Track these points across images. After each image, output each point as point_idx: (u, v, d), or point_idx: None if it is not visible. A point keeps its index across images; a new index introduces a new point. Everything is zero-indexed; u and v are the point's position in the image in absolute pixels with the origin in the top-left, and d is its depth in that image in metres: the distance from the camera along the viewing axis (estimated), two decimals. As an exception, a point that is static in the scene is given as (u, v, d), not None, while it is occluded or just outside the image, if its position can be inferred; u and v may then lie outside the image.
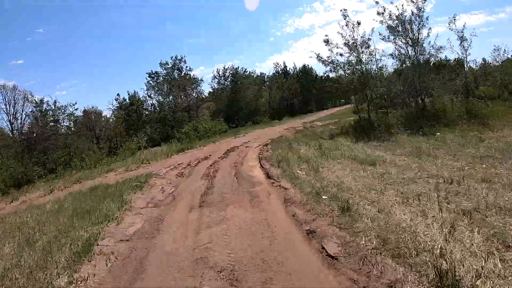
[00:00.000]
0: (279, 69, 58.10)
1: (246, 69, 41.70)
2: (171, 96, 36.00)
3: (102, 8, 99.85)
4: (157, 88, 37.24)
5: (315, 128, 20.18)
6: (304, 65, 58.78)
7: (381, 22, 16.34)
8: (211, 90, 41.00)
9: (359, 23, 16.01)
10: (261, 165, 10.27)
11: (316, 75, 64.21)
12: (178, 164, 12.46)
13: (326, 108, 58.53)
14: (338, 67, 16.63)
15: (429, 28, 16.03)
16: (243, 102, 37.57)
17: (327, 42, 16.41)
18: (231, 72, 39.14)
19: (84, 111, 32.20)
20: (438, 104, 15.46)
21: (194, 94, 39.72)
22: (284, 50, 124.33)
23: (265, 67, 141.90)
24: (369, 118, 16.16)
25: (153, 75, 38.01)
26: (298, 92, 52.38)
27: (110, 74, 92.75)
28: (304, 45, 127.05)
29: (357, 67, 16.13)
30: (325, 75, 68.11)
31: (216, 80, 39.81)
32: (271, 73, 57.64)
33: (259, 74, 47.62)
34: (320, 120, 27.62)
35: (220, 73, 39.70)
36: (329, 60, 16.64)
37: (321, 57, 16.84)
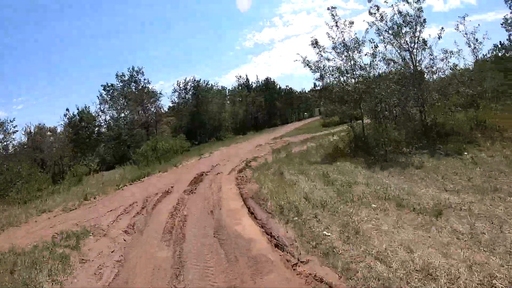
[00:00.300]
0: (242, 82, 56.75)
1: (208, 82, 39.49)
2: (127, 111, 32.93)
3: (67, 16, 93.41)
4: (112, 103, 34.02)
5: (290, 145, 18.37)
6: (267, 78, 58.06)
7: (370, 25, 14.31)
8: (172, 105, 38.38)
9: (351, 23, 13.98)
10: (249, 210, 7.34)
11: (280, 88, 63.98)
12: (130, 205, 9.36)
13: (290, 121, 57.94)
14: (330, 73, 14.20)
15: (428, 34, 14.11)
16: (206, 116, 35.29)
17: (315, 44, 14.11)
18: (193, 84, 36.77)
19: (27, 129, 28.13)
20: (440, 115, 13.74)
21: (153, 109, 36.92)
22: (243, 64, 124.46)
23: (225, 81, 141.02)
24: (366, 134, 13.84)
25: (108, 88, 34.78)
26: (262, 106, 51.17)
27: (64, 87, 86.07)
28: (264, 60, 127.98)
29: (359, 72, 14.01)
30: (287, 88, 68.32)
31: (177, 93, 37.22)
32: (233, 87, 56.21)
33: (221, 88, 45.62)
34: (290, 135, 26.16)
35: (181, 86, 37.23)
36: (318, 65, 14.17)
37: (308, 62, 14.25)
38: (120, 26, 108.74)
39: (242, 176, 11.31)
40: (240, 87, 55.40)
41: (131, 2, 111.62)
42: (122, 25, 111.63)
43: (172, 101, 37.29)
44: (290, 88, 67.40)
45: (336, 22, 14.05)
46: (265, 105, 52.48)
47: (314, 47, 14.22)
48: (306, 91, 79.18)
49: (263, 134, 35.52)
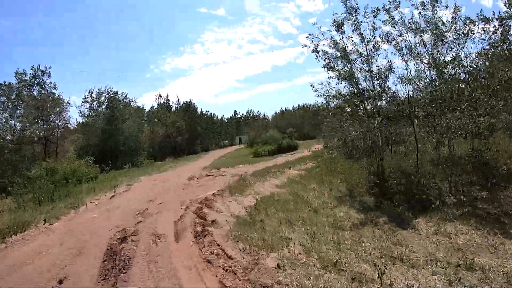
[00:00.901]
0: (162, 102, 51.93)
1: (126, 95, 34.15)
2: (19, 120, 25.39)
3: None
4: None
5: (248, 182, 15.20)
6: (189, 101, 54.40)
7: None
8: (81, 121, 31.58)
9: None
10: None
11: (202, 112, 60.73)
12: None
13: (211, 149, 54.65)
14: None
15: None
16: (121, 137, 29.74)
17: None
18: (108, 96, 30.96)
19: None
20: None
21: (58, 121, 29.75)
22: (160, 88, 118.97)
23: (141, 103, 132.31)
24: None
25: (3, 87, 26.64)
26: (183, 129, 46.98)
27: None
28: (181, 85, 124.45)
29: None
30: (208, 113, 65.36)
31: (88, 104, 30.78)
32: (151, 108, 50.91)
33: (139, 106, 40.02)
34: (223, 165, 22.97)
35: (94, 96, 30.96)
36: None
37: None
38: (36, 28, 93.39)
39: (213, 252, 6.48)
40: (159, 107, 50.48)
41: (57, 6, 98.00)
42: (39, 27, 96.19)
43: (81, 114, 30.44)
44: (212, 114, 64.97)
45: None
46: (187, 129, 48.41)
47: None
48: (225, 119, 78.30)
49: (186, 161, 31.58)
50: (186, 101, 54.11)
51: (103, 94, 30.50)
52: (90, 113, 30.02)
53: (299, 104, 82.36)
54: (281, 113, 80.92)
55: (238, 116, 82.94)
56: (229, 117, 78.92)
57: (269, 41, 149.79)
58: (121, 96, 32.29)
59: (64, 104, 30.41)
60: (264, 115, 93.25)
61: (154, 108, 50.27)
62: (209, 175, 17.85)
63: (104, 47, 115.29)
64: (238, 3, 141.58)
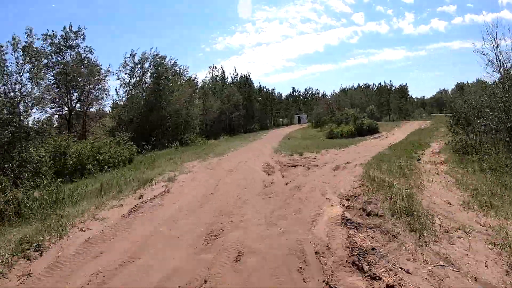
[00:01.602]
0: (218, 74, 46.31)
1: (176, 61, 27.33)
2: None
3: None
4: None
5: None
6: (247, 74, 48.10)
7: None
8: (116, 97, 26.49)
9: None
10: None
11: (261, 86, 54.31)
12: None
13: (270, 127, 48.31)
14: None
15: None
16: (168, 110, 24.38)
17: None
18: (154, 61, 25.18)
19: None
20: None
21: (94, 93, 25.18)
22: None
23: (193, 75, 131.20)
24: None
25: (31, 53, 22.49)
26: (239, 104, 41.03)
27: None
28: (233, 64, 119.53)
29: None
30: (266, 89, 58.47)
31: (128, 70, 24.94)
32: (204, 80, 45.09)
33: (191, 76, 34.00)
34: (297, 148, 16.23)
35: (136, 59, 25.16)
36: None
37: None
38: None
39: None
40: (214, 80, 44.98)
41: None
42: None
43: (120, 80, 25.08)
44: (272, 89, 58.19)
45: None
46: (244, 104, 42.44)
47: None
48: (284, 96, 70.90)
49: (245, 141, 25.56)
50: (243, 75, 48.02)
51: (148, 59, 24.98)
52: (131, 80, 24.73)
53: (359, 83, 72.34)
54: (342, 92, 70.81)
55: (296, 93, 74.77)
56: (287, 95, 71.25)
57: (321, 20, 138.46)
58: (170, 62, 26.54)
59: (104, 72, 25.81)
60: (323, 93, 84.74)
61: (208, 80, 44.69)
62: (294, 165, 11.32)
63: (153, 25, 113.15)
64: None
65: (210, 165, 12.49)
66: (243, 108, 41.78)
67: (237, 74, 48.27)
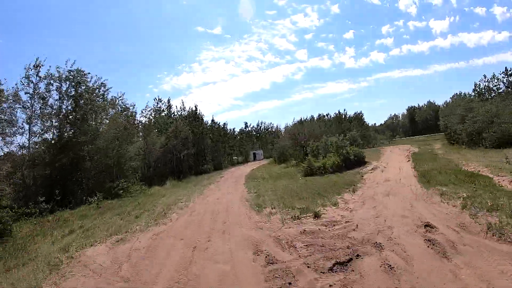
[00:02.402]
0: (163, 106, 40.07)
1: (104, 82, 20.11)
2: None
3: None
4: None
5: None
6: (195, 107, 42.34)
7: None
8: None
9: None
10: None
11: (214, 122, 48.70)
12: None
13: (224, 167, 42.09)
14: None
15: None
16: (90, 148, 17.42)
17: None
18: (73, 77, 17.67)
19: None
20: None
21: None
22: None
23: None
24: None
25: None
26: (189, 141, 34.77)
27: None
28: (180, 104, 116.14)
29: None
30: (218, 124, 52.88)
31: (31, 89, 16.52)
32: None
33: (127, 105, 26.10)
34: (286, 196, 10.40)
35: (42, 74, 17.03)
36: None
37: None
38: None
39: None
40: (158, 113, 38.53)
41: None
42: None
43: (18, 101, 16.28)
44: (224, 123, 52.86)
45: None
46: (193, 141, 36.24)
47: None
48: (236, 131, 65.76)
49: (199, 186, 19.39)
50: (192, 108, 42.16)
51: (63, 75, 17.81)
52: (34, 104, 17.12)
53: (312, 114, 70.42)
54: (299, 123, 67.27)
55: (249, 128, 70.27)
56: (240, 129, 66.50)
57: (266, 58, 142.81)
58: (96, 82, 19.70)
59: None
60: (277, 126, 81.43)
61: (150, 112, 37.96)
62: (311, 243, 5.67)
63: (100, 66, 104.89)
64: (234, 21, 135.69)
65: (128, 258, 6.28)
66: (193, 146, 35.56)
67: (183, 108, 42.29)
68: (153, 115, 37.40)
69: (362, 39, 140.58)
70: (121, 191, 17.03)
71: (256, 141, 67.68)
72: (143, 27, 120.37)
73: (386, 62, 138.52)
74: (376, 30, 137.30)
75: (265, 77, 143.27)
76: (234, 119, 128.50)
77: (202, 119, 42.03)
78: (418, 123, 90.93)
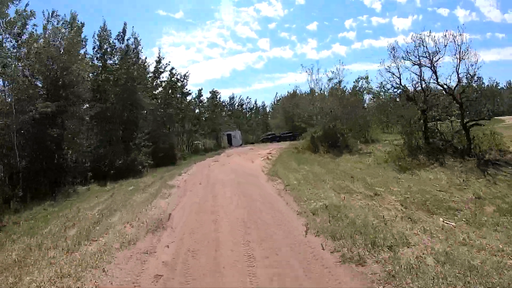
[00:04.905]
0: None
1: None
2: None
3: None
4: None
5: None
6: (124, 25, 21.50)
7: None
8: None
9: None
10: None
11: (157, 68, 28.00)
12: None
13: (184, 159, 21.89)
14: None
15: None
16: None
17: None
18: None
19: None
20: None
21: None
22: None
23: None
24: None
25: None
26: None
27: None
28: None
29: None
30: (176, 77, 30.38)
31: None
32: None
33: None
34: None
35: None
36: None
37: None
38: None
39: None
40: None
41: None
42: None
43: None
44: (182, 84, 31.68)
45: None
46: (112, 100, 16.21)
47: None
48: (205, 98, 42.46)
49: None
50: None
51: None
52: None
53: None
54: (290, 97, 45.24)
55: (220, 100, 46.25)
56: (207, 99, 43.20)
57: (228, 45, 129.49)
58: None
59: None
60: (255, 102, 61.59)
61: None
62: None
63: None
64: (197, 6, 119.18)
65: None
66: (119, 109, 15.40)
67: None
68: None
69: (325, 31, 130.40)
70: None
71: (230, 118, 46.41)
72: (102, 8, 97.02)
73: (347, 55, 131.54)
74: (340, 23, 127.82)
75: (226, 64, 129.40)
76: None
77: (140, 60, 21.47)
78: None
